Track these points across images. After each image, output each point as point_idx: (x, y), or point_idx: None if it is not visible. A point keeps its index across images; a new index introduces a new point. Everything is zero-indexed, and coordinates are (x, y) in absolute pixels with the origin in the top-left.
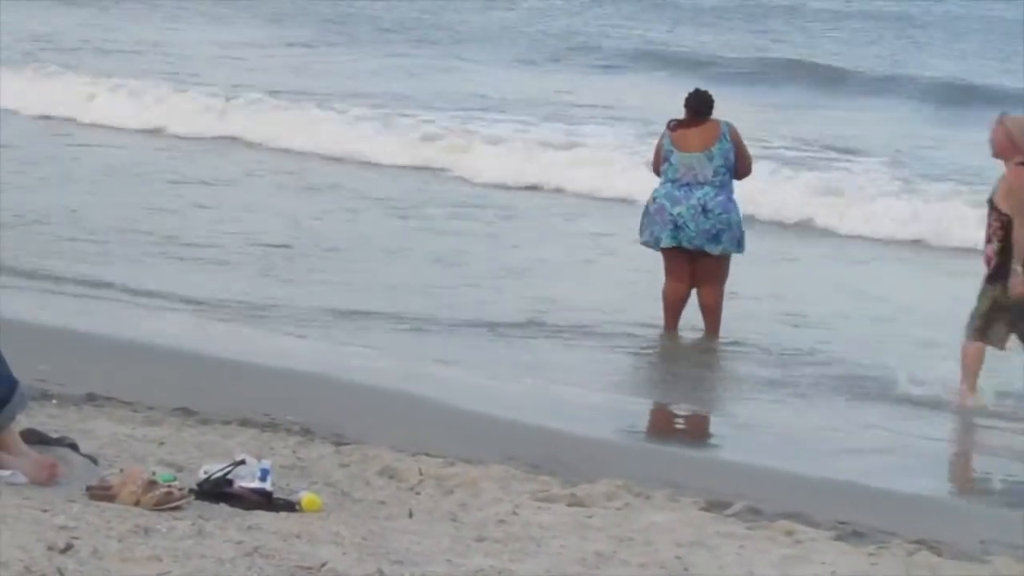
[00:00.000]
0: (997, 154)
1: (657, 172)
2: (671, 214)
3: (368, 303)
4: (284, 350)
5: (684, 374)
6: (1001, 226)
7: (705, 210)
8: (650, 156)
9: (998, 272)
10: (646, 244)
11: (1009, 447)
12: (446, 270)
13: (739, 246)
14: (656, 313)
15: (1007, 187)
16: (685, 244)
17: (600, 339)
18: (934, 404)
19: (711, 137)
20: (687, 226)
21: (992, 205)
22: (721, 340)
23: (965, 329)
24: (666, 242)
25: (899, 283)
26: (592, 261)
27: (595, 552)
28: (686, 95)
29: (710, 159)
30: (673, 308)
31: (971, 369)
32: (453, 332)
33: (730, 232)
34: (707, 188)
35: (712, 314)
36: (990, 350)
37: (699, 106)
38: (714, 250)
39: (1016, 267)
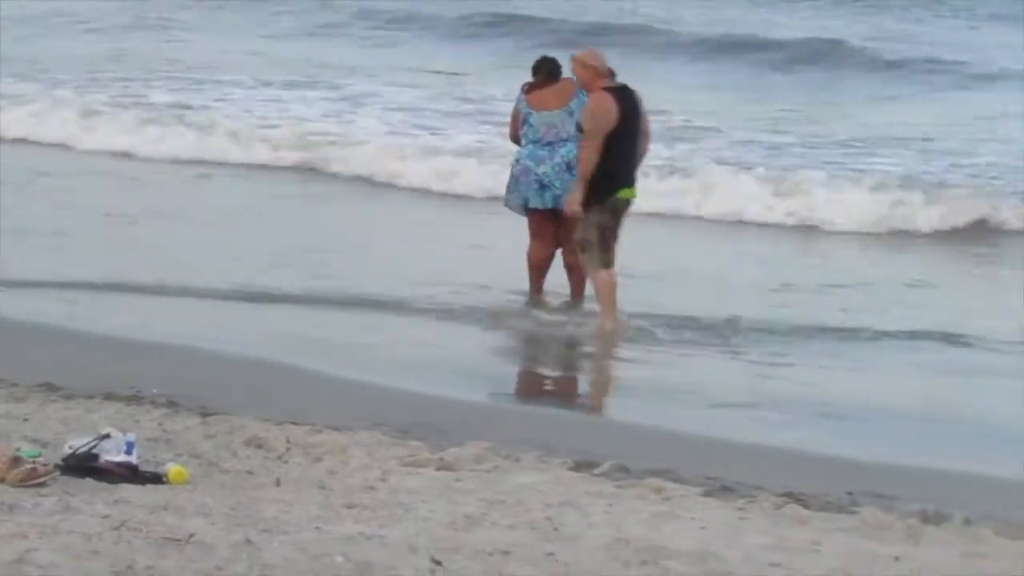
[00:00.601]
0: (585, 87)
1: (515, 139)
2: (536, 174)
3: (221, 276)
4: (147, 323)
5: (550, 335)
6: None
7: (569, 167)
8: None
9: (593, 196)
10: (512, 208)
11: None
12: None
13: None
14: (512, 279)
15: (589, 112)
16: (551, 204)
17: (465, 305)
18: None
19: (567, 94)
20: (553, 184)
21: (581, 131)
22: (587, 300)
23: (587, 264)
24: (534, 203)
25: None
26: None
27: (465, 515)
28: (535, 62)
29: (570, 114)
30: (539, 270)
31: (610, 297)
32: (312, 304)
33: None
34: (570, 145)
35: (577, 273)
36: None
37: (550, 67)
38: None
39: (579, 186)
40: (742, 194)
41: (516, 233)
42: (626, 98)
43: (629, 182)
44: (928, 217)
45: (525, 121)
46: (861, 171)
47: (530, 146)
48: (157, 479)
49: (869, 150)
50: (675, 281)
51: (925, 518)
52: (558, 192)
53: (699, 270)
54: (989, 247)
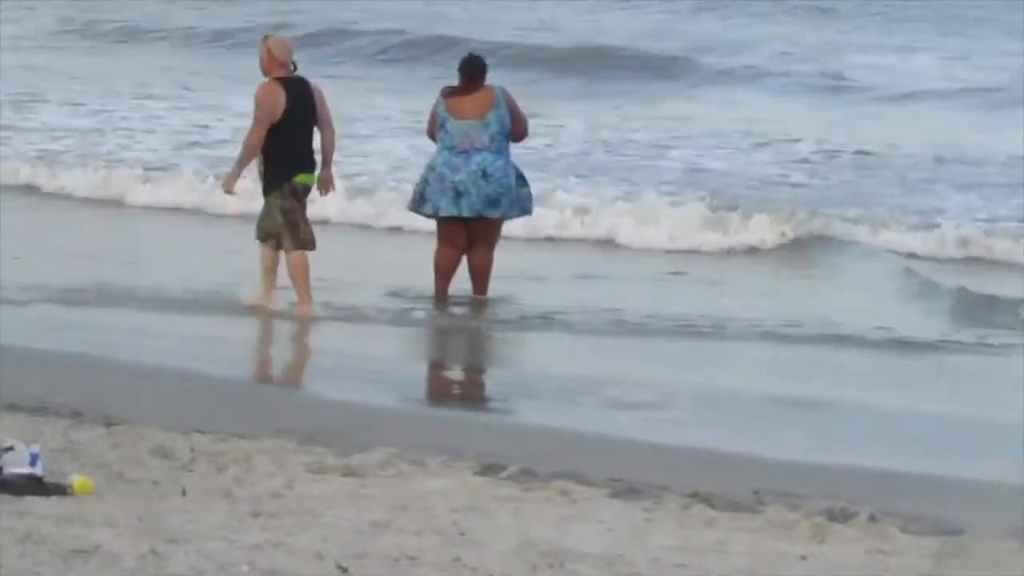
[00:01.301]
0: (264, 72)
1: (432, 137)
2: (452, 181)
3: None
4: (50, 332)
5: (455, 338)
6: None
7: (485, 175)
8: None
9: (270, 183)
10: (422, 213)
11: None
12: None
13: (519, 209)
14: (417, 281)
15: (257, 100)
16: (466, 212)
17: (374, 309)
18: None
19: (486, 104)
20: (469, 192)
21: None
22: (490, 301)
23: (284, 248)
24: (448, 211)
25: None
26: None
27: (371, 521)
28: (460, 60)
29: (486, 127)
30: (446, 274)
31: (303, 278)
32: (206, 309)
33: (509, 196)
34: (485, 153)
35: (482, 277)
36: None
37: (473, 71)
38: (493, 214)
39: (236, 168)
40: None
41: None
42: (297, 89)
43: (306, 168)
44: None
45: (442, 126)
46: None
47: (445, 153)
48: (62, 490)
49: None
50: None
51: (831, 516)
52: (474, 199)
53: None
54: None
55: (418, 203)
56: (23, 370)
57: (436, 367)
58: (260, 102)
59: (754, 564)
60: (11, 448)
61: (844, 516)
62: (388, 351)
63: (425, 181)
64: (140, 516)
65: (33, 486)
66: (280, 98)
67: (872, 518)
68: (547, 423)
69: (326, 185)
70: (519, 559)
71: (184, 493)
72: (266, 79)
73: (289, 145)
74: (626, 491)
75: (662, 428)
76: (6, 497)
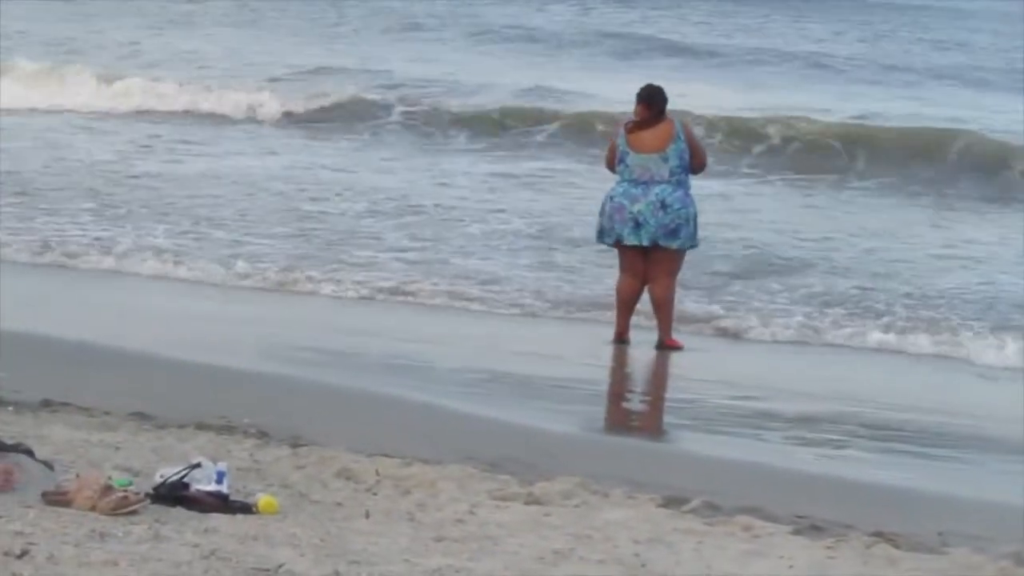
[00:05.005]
0: None
1: (612, 169)
2: (631, 212)
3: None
4: (240, 352)
5: (639, 368)
6: None
7: (664, 205)
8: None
9: None
10: (604, 243)
11: None
12: None
13: (694, 240)
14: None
15: None
16: (646, 242)
17: (556, 334)
18: None
19: (665, 138)
20: (648, 222)
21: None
22: (674, 334)
23: None
24: (629, 240)
25: None
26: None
27: (553, 550)
28: (640, 90)
29: (665, 160)
30: (626, 303)
31: None
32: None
33: (687, 227)
34: (664, 185)
35: (664, 309)
36: None
37: (652, 102)
38: (672, 244)
39: None
40: None
41: None
42: None
43: None
44: None
45: (621, 160)
46: None
47: (624, 184)
48: (247, 509)
49: None
50: None
51: (1018, 560)
52: (653, 229)
53: None
54: None
55: (601, 234)
56: (211, 388)
57: (619, 396)
58: None
59: None
60: (199, 465)
61: None
62: (571, 380)
63: (603, 212)
64: (323, 537)
65: (219, 504)
66: None
67: None
68: (731, 456)
69: None
70: None
71: (367, 515)
72: None
73: None
74: (809, 528)
75: (847, 465)
76: (192, 514)
